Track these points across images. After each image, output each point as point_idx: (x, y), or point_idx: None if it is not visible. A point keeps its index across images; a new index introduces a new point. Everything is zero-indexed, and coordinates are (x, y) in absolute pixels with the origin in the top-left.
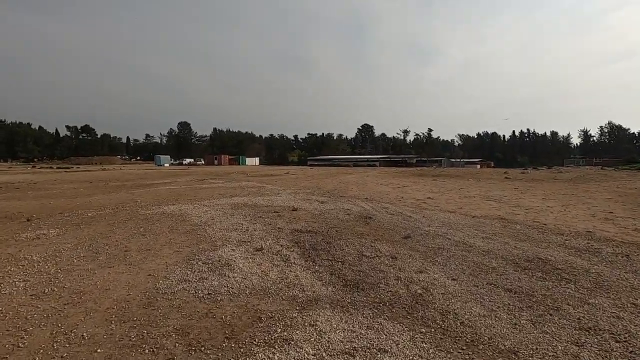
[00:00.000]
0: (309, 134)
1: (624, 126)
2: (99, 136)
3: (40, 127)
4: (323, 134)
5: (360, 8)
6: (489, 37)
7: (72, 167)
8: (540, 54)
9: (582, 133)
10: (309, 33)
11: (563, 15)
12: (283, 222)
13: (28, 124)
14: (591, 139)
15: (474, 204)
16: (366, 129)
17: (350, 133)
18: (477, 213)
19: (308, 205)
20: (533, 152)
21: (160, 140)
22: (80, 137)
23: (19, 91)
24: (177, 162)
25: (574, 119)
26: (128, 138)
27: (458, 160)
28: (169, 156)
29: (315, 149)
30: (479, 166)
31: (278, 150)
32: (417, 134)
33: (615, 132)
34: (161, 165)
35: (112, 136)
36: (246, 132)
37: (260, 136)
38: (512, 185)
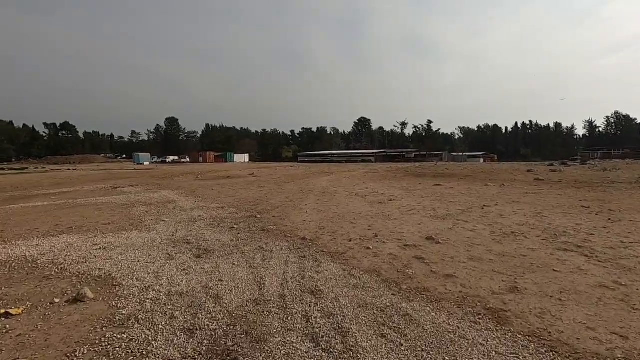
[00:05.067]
0: (303, 128)
1: (631, 116)
2: (80, 134)
3: (24, 126)
4: (318, 128)
5: (357, 2)
6: (487, 30)
7: (30, 168)
8: (538, 46)
9: (587, 124)
10: (306, 28)
11: (558, 7)
12: None
13: (10, 122)
14: (597, 130)
15: (540, 262)
16: (363, 123)
17: (348, 127)
18: (586, 330)
19: (152, 276)
20: (537, 144)
21: (148, 137)
22: (60, 134)
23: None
24: (160, 160)
25: (576, 111)
26: (112, 135)
27: (460, 154)
28: (148, 154)
29: (310, 144)
30: (482, 160)
31: (272, 146)
32: (415, 127)
33: (622, 123)
34: (140, 164)
35: (100, 134)
36: (241, 128)
37: (257, 132)
38: (568, 199)
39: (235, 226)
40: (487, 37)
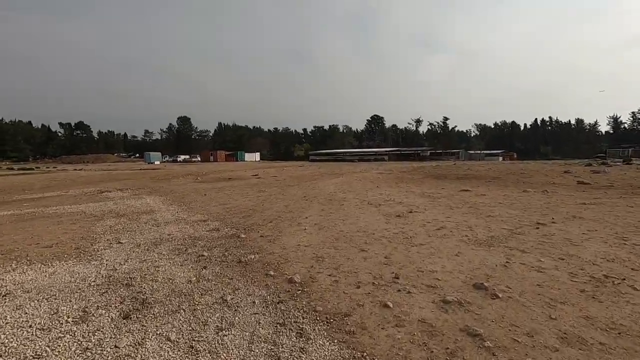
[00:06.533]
0: (315, 126)
1: None
2: (94, 133)
3: (42, 125)
4: (330, 126)
5: (368, 0)
6: (501, 25)
7: (42, 168)
8: (553, 41)
9: (612, 120)
10: (317, 27)
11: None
12: None
13: (29, 122)
14: (622, 126)
15: None
16: (376, 120)
17: (360, 125)
18: None
19: None
20: (557, 141)
21: (161, 136)
22: (75, 134)
23: (20, 89)
24: (171, 159)
25: (599, 107)
26: (125, 135)
27: (477, 152)
28: (159, 153)
29: (322, 143)
30: (500, 158)
31: (284, 145)
32: (430, 124)
33: None
34: (151, 163)
35: (115, 133)
36: (253, 127)
37: (269, 130)
38: None
39: (205, 253)
40: (502, 32)
